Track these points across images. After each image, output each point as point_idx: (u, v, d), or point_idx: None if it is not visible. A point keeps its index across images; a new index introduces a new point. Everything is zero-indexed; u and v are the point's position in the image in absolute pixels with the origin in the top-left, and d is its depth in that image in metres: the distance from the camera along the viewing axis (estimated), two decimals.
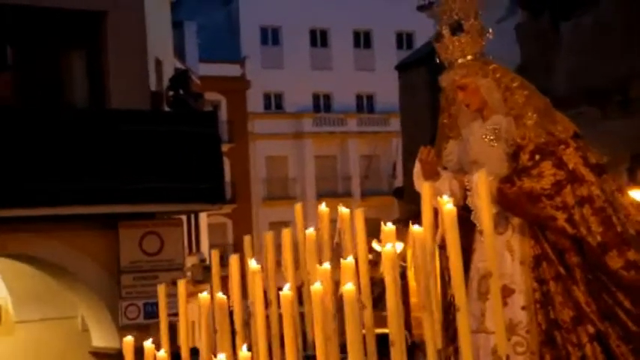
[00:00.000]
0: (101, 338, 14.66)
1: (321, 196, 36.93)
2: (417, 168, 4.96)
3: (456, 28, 4.99)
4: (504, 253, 4.82)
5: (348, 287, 2.97)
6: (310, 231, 3.92)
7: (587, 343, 4.60)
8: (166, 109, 15.17)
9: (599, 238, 4.61)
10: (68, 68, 14.46)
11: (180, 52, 30.02)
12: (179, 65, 24.76)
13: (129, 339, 3.73)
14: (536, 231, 4.78)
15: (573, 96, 13.93)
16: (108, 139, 13.14)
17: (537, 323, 4.69)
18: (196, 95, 15.23)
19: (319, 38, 41.37)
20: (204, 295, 3.80)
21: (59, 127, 13.02)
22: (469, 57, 4.96)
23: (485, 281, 4.71)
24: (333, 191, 39.37)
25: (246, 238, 4.23)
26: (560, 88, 14.31)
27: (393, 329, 3.16)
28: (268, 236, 4.12)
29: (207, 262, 26.42)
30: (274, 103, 40.87)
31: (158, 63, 17.78)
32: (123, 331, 13.25)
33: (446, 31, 5.00)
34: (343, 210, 3.86)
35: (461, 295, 3.20)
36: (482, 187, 3.54)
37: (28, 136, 12.78)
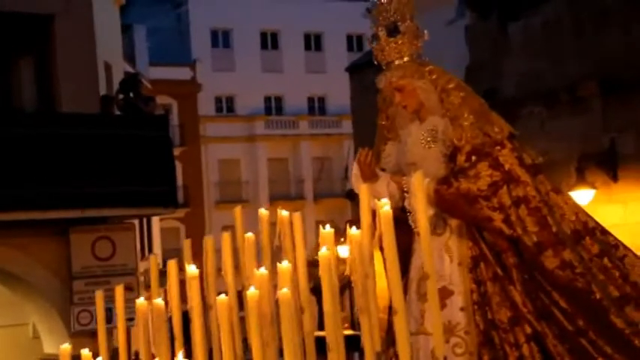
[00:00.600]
0: (53, 345, 14.49)
1: (274, 199, 36.96)
2: (356, 170, 4.93)
3: (393, 30, 4.95)
4: (443, 255, 4.82)
5: (283, 291, 2.96)
6: (249, 235, 3.88)
7: (525, 343, 4.60)
8: (117, 112, 15.04)
9: (534, 238, 4.62)
10: (17, 72, 14.29)
11: (129, 56, 29.82)
12: (129, 69, 24.60)
13: (65, 346, 3.68)
14: (473, 232, 4.78)
15: (522, 96, 14.07)
16: (58, 143, 12.99)
17: (475, 324, 4.68)
18: (147, 99, 15.12)
19: (270, 41, 41.34)
20: (140, 301, 3.76)
21: (7, 131, 12.84)
22: (405, 58, 4.92)
23: (424, 283, 4.65)
24: (286, 194, 39.36)
25: (186, 242, 4.16)
26: (509, 89, 14.45)
27: (330, 333, 3.13)
28: (209, 240, 4.05)
29: (161, 267, 26.22)
30: (226, 106, 40.75)
31: (107, 67, 17.64)
32: (75, 337, 13.12)
33: (382, 33, 4.96)
34: (283, 213, 3.82)
35: (398, 297, 3.17)
36: (418, 189, 3.50)
37: None
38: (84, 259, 13.95)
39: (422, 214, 3.42)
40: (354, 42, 42.04)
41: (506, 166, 4.72)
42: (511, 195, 4.68)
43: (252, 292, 3.04)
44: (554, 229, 4.67)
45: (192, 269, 3.55)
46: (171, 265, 3.85)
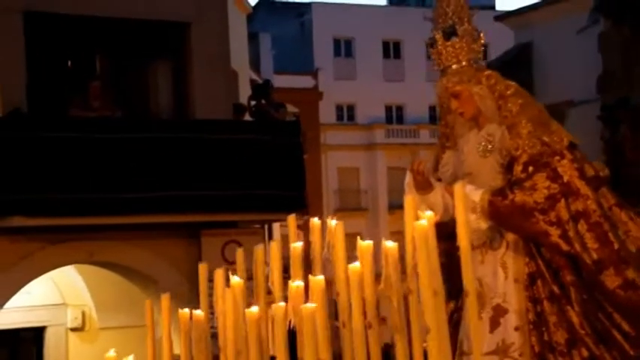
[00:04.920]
0: None
1: (392, 208, 36.89)
2: (409, 179, 4.72)
3: (451, 33, 4.80)
4: (497, 270, 4.60)
5: (307, 306, 2.85)
6: (296, 245, 3.73)
7: None
8: (247, 118, 15.28)
9: (594, 255, 4.38)
10: (153, 78, 14.63)
11: (255, 64, 30.26)
12: (254, 77, 24.95)
13: (111, 354, 3.71)
14: (531, 247, 4.54)
15: None
16: (193, 148, 13.25)
17: (530, 345, 4.47)
18: (278, 105, 15.33)
19: (392, 50, 41.35)
20: (183, 311, 3.79)
21: (145, 136, 13.17)
22: (463, 63, 4.74)
23: (478, 299, 4.56)
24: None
25: (239, 251, 4.09)
26: None
27: (359, 350, 3.04)
28: (259, 250, 3.91)
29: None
30: (346, 115, 40.94)
31: (234, 74, 17.90)
32: None
33: (439, 36, 4.80)
34: (332, 223, 3.64)
35: (432, 317, 2.98)
36: (459, 200, 3.29)
37: (114, 146, 12.94)
38: (214, 262, 14.08)
39: (461, 226, 3.23)
40: None
41: (565, 178, 4.49)
42: (570, 209, 4.44)
43: (278, 305, 2.99)
44: (616, 246, 4.41)
45: (235, 279, 3.52)
46: (218, 274, 3.80)
